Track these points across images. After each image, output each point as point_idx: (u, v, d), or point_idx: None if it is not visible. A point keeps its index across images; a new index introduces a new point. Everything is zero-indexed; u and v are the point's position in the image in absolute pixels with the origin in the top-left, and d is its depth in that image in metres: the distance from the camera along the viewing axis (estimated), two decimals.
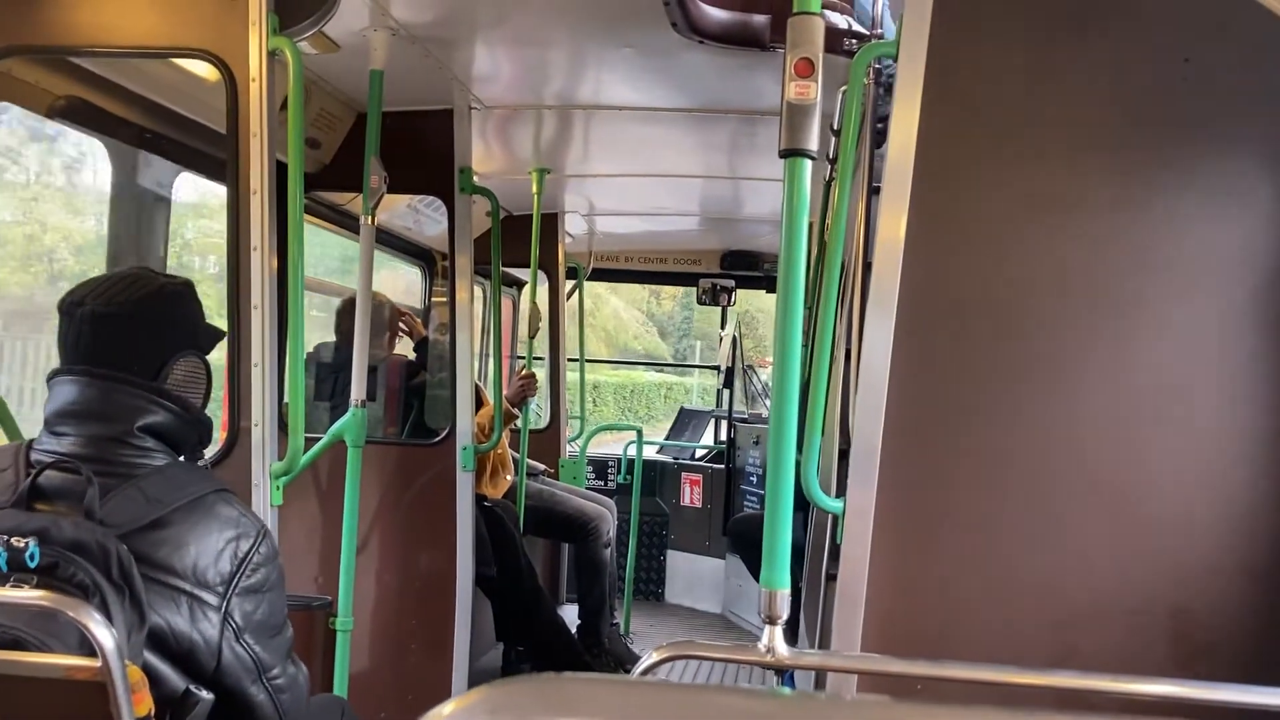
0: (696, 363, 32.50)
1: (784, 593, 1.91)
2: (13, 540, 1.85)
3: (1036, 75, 2.70)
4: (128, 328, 2.17)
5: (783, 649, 1.90)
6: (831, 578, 2.90)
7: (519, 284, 8.49)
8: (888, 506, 2.62)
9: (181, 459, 2.23)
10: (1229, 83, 2.63)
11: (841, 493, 2.67)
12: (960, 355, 2.70)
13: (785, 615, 1.90)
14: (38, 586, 1.81)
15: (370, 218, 3.83)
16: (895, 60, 2.66)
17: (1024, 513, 2.66)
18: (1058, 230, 2.69)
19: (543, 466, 6.93)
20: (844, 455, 3.03)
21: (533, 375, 5.96)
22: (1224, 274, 2.62)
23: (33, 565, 1.84)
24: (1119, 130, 2.67)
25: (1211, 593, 2.59)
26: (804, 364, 3.48)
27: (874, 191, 3.54)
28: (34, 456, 2.11)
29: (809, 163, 1.90)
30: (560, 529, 6.54)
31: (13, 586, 1.81)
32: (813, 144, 1.90)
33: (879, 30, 3.68)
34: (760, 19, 3.75)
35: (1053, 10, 2.69)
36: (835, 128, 3.88)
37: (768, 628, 1.91)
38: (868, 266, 3.50)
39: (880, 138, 3.16)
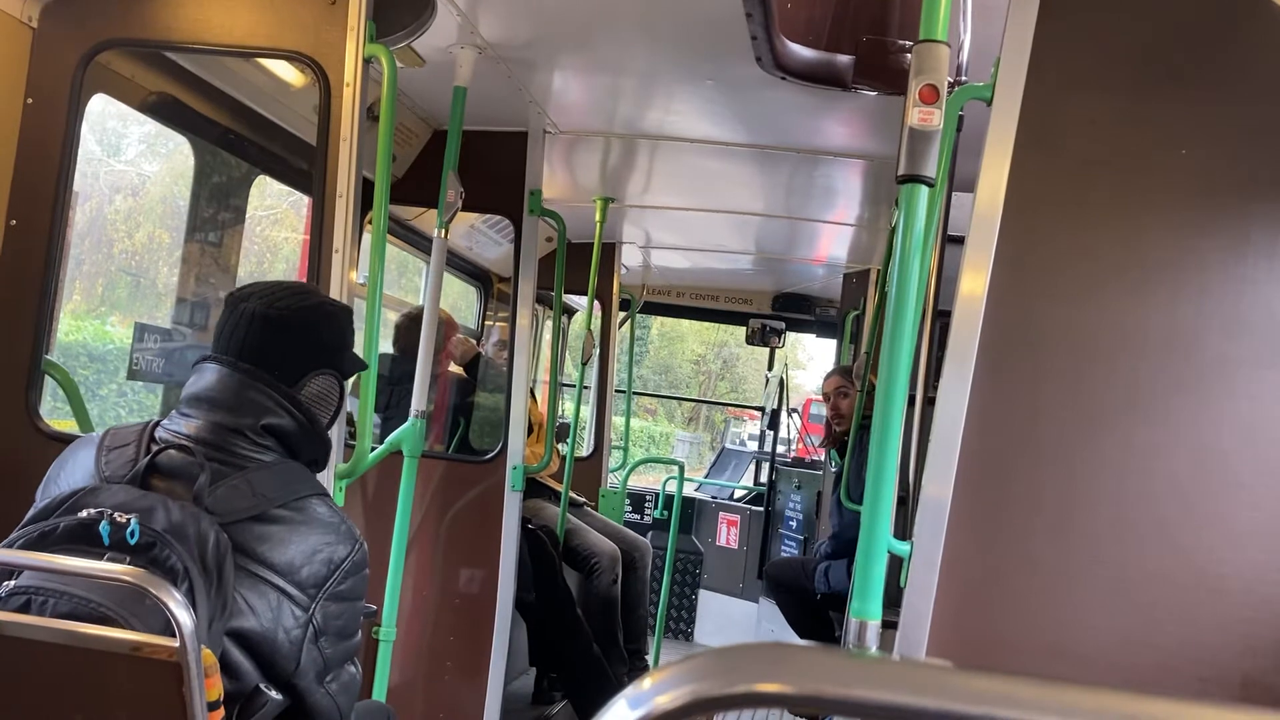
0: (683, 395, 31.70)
1: (875, 624, 1.87)
2: (116, 516, 1.90)
3: (1130, 128, 2.67)
4: (281, 333, 2.26)
5: None
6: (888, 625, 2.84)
7: (570, 311, 8.51)
8: (954, 557, 2.57)
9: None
10: None
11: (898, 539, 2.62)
12: (1036, 407, 2.65)
13: (875, 647, 1.86)
14: (132, 564, 1.82)
15: (444, 231, 3.85)
16: (989, 104, 2.63)
17: (1092, 568, 2.60)
18: (1143, 286, 2.64)
19: (582, 500, 6.83)
20: (901, 502, 2.99)
21: None
22: None
23: (132, 543, 1.89)
24: (1210, 186, 2.63)
25: None
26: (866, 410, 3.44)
27: (946, 240, 3.51)
28: (159, 434, 2.17)
29: (926, 190, 1.89)
30: (569, 562, 6.39)
31: (108, 560, 1.83)
32: (932, 170, 1.89)
33: (963, 78, 3.66)
34: (844, 59, 3.75)
35: (1152, 61, 2.66)
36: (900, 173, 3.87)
37: None
38: (937, 314, 3.46)
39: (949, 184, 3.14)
